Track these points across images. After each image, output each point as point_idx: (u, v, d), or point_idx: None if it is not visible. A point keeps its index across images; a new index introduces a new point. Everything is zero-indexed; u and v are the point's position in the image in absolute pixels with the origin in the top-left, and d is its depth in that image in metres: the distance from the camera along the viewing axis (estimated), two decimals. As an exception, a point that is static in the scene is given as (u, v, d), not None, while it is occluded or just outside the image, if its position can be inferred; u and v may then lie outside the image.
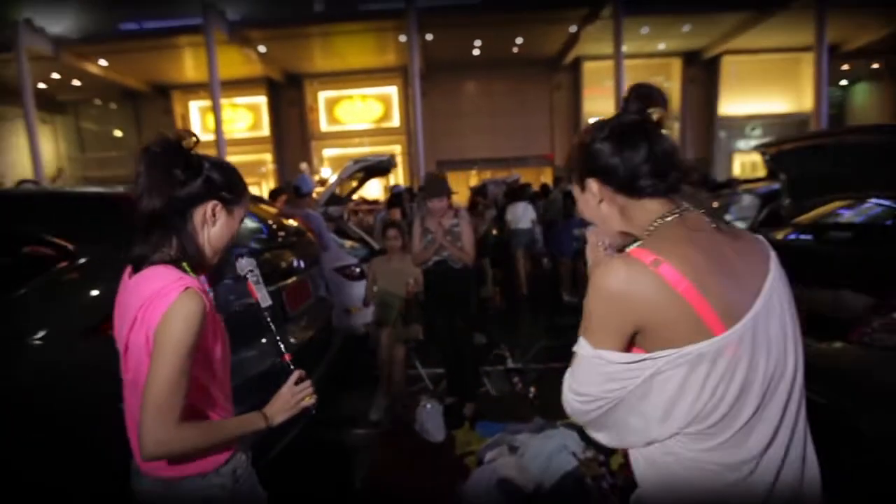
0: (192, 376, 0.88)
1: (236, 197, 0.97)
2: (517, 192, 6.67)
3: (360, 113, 16.48)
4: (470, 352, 2.93)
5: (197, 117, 15.98)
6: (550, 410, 2.73)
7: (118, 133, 16.56)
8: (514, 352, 3.83)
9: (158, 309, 0.84)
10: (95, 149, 16.62)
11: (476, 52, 14.30)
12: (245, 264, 1.09)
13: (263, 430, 0.97)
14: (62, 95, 15.42)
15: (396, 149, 16.05)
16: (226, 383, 1.01)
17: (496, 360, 3.65)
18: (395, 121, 16.44)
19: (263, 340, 1.83)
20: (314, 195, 4.66)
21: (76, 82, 14.37)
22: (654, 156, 0.71)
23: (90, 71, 13.51)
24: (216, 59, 11.79)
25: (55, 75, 13.69)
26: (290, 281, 2.14)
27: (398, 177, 15.89)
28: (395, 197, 5.92)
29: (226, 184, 0.95)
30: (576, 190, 0.81)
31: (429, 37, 12.79)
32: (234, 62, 13.36)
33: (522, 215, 6.04)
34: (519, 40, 13.66)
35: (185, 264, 0.91)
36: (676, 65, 15.43)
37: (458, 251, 2.73)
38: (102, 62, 13.50)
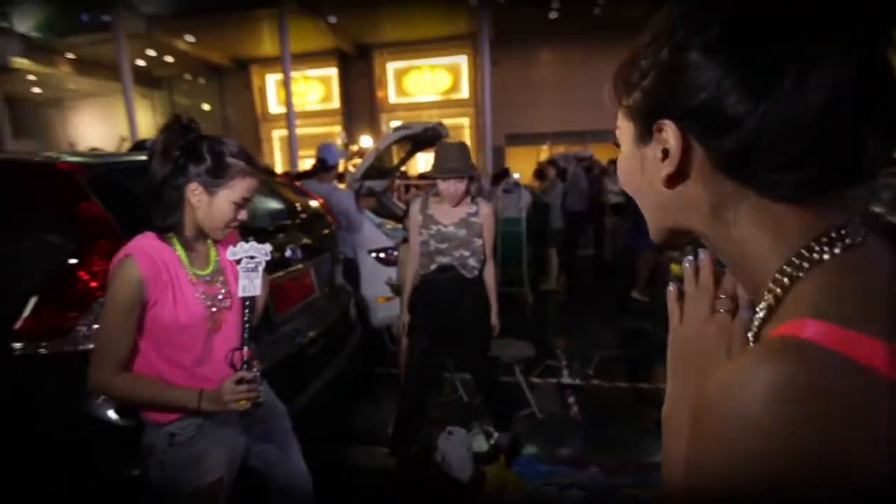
0: (135, 335, 1.03)
1: (217, 180, 1.05)
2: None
3: (428, 84, 16.12)
4: (496, 380, 2.41)
5: (273, 90, 16.51)
6: (613, 449, 2.27)
7: (206, 106, 17.65)
8: (571, 363, 3.35)
9: (111, 266, 1.02)
10: (186, 121, 17.88)
11: (553, 14, 13.12)
12: (238, 250, 1.09)
13: (192, 409, 1.03)
14: (158, 72, 16.65)
15: (464, 121, 15.59)
16: (183, 350, 1.08)
17: (547, 372, 3.21)
18: (464, 92, 15.88)
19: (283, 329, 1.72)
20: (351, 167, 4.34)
21: (169, 58, 15.36)
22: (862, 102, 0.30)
23: (180, 48, 14.36)
24: (287, 30, 11.93)
25: (151, 52, 14.70)
26: (280, 274, 1.85)
27: (464, 151, 15.41)
28: None
29: (209, 168, 1.04)
30: (625, 136, 0.42)
31: (501, 0, 11.92)
32: (306, 35, 13.50)
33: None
34: (601, 0, 12.29)
35: (172, 236, 1.06)
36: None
37: (472, 255, 2.03)
38: (189, 38, 14.24)
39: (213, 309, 1.11)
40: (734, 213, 0.36)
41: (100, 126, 17.36)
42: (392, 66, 15.95)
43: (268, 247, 1.08)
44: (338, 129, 16.58)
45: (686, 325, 0.42)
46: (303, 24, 12.71)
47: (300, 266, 2.02)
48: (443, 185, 1.99)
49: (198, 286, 1.09)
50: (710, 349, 0.39)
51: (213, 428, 1.11)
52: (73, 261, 1.24)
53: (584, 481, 1.93)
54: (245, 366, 1.04)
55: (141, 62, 14.93)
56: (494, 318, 2.19)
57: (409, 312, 2.18)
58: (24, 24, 15.28)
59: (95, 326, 1.22)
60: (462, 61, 15.64)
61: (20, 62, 14.47)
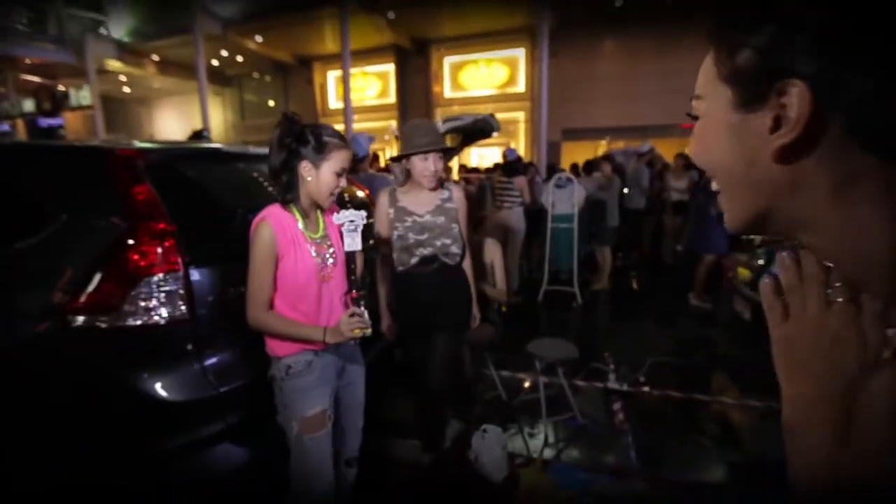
0: (273, 282, 1.35)
1: (320, 156, 1.36)
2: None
3: (484, 78, 15.98)
4: (463, 367, 2.37)
5: (333, 86, 17.06)
6: (661, 462, 2.13)
7: (271, 103, 18.61)
8: (619, 367, 3.17)
9: (251, 228, 1.34)
10: (253, 116, 19.02)
11: (618, 2, 12.48)
12: (341, 216, 1.33)
13: (318, 340, 1.34)
14: (229, 70, 17.77)
15: (520, 115, 15.33)
16: (303, 299, 1.40)
17: (592, 375, 3.06)
18: (521, 86, 15.58)
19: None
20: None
21: (239, 58, 16.33)
22: None
23: (249, 47, 15.21)
24: (348, 27, 12.27)
25: (224, 53, 15.70)
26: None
27: (519, 147, 15.19)
28: (509, 164, 5.35)
29: (314, 147, 1.36)
30: (716, 103, 0.38)
31: (563, -11, 11.53)
32: (365, 31, 13.81)
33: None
34: (673, -16, 11.51)
35: (292, 206, 1.40)
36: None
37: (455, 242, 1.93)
38: (259, 38, 15.04)
39: (324, 264, 1.41)
40: (861, 193, 0.30)
41: (178, 121, 18.85)
42: (448, 61, 15.96)
43: (363, 212, 1.33)
44: (394, 123, 16.88)
45: (794, 321, 0.35)
46: (362, 22, 13.00)
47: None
48: (421, 164, 1.83)
49: (312, 246, 1.39)
50: (837, 345, 0.32)
51: (319, 367, 1.41)
52: (128, 241, 1.32)
53: (627, 493, 1.80)
54: (355, 304, 1.32)
55: (215, 62, 16.01)
56: (475, 309, 2.12)
57: (390, 315, 2.06)
58: (118, 29, 16.85)
59: (149, 303, 1.29)
60: (519, 54, 15.36)
61: (113, 64, 15.99)
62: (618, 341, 3.80)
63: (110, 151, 1.44)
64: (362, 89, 16.43)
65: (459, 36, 14.95)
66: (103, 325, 1.27)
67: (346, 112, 13.03)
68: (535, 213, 5.39)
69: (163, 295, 1.29)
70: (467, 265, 2.03)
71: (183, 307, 1.32)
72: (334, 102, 16.97)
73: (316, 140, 1.34)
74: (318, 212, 1.46)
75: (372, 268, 2.09)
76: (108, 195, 1.34)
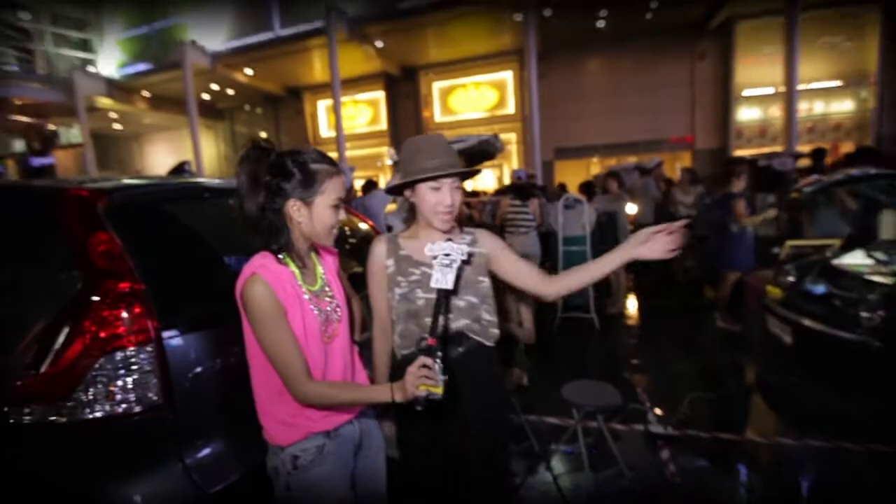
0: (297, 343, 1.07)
1: (310, 189, 1.09)
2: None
3: (473, 101, 16.09)
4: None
5: (324, 115, 17.08)
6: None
7: (263, 134, 18.55)
8: (657, 406, 2.86)
9: (237, 288, 1.07)
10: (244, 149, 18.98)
11: (601, 23, 12.67)
12: (436, 248, 1.16)
13: (386, 401, 1.04)
14: (220, 104, 17.78)
15: (511, 137, 15.36)
16: (312, 364, 1.09)
17: (630, 417, 2.74)
18: (510, 107, 15.68)
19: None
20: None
21: (230, 91, 16.35)
22: None
23: (239, 80, 15.22)
24: (337, 58, 12.32)
25: (214, 86, 15.68)
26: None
27: (513, 168, 15.15)
28: (523, 187, 5.12)
29: (300, 180, 1.08)
30: None
31: (547, 12, 11.68)
32: (354, 60, 13.89)
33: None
34: (654, 4, 11.68)
35: (284, 255, 1.11)
36: (872, 19, 11.76)
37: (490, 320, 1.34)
38: (248, 71, 15.08)
39: (327, 322, 1.16)
40: None
41: (170, 156, 18.71)
42: (437, 86, 16.09)
43: (464, 247, 1.14)
44: (385, 149, 16.83)
45: None
46: (351, 51, 13.07)
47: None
48: (432, 197, 1.25)
49: (311, 301, 1.14)
50: None
51: (333, 450, 1.15)
52: (84, 306, 1.02)
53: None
54: (430, 353, 1.04)
55: (206, 96, 15.97)
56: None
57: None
58: (107, 66, 16.83)
59: (111, 388, 0.99)
60: (507, 77, 15.53)
61: (103, 101, 15.88)
62: (648, 374, 3.49)
63: (61, 192, 1.16)
64: (353, 117, 16.44)
65: (447, 61, 15.10)
66: (51, 420, 0.96)
67: (339, 140, 12.95)
68: (544, 236, 5.15)
69: (130, 376, 0.99)
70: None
71: (156, 391, 1.02)
72: (326, 131, 16.94)
73: (301, 171, 1.07)
74: (313, 255, 1.22)
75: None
76: (62, 247, 1.06)
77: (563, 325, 4.52)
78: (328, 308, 1.17)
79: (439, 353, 1.03)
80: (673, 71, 13.53)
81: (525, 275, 1.35)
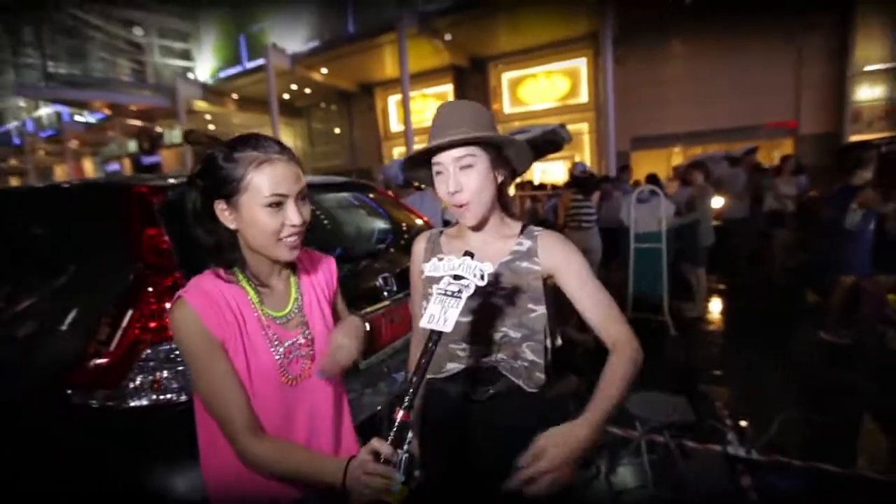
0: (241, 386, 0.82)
1: (233, 185, 0.82)
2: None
3: (544, 91, 15.59)
4: None
5: (394, 110, 17.50)
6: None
7: (337, 130, 19.47)
8: (739, 425, 2.55)
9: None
10: (321, 144, 20.04)
11: None
12: (442, 265, 0.80)
13: (333, 484, 0.74)
14: (299, 102, 18.90)
15: (583, 127, 14.72)
16: (262, 414, 0.84)
17: (707, 434, 2.46)
18: (583, 96, 14.98)
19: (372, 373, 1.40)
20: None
21: (307, 90, 17.29)
22: None
23: (316, 79, 16.04)
24: (406, 53, 12.52)
25: (293, 86, 16.69)
26: (385, 304, 1.55)
27: (584, 160, 14.51)
28: (586, 179, 4.87)
29: (224, 173, 0.82)
30: None
31: (627, -9, 10.94)
32: (424, 54, 14.05)
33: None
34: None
35: (235, 271, 0.88)
36: None
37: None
38: (324, 70, 15.84)
39: (289, 358, 0.89)
40: None
41: (254, 153, 20.24)
42: (507, 76, 15.79)
43: (487, 267, 0.77)
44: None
45: None
46: (420, 46, 13.22)
47: (401, 295, 1.72)
48: (438, 185, 0.97)
49: (269, 329, 0.88)
50: None
51: None
52: (133, 299, 1.08)
53: None
54: (394, 433, 0.69)
55: (286, 96, 17.07)
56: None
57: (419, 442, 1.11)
58: (203, 72, 18.55)
59: (156, 377, 1.02)
60: (581, 64, 14.82)
61: (200, 105, 17.56)
62: (731, 387, 3.13)
63: (126, 188, 1.23)
64: (422, 111, 16.66)
65: (517, 51, 14.73)
66: (99, 404, 1.02)
67: (407, 134, 13.20)
68: (611, 233, 4.82)
69: (175, 368, 1.03)
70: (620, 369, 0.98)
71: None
72: (395, 125, 17.35)
73: (226, 160, 0.82)
74: (286, 271, 0.95)
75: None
76: (118, 243, 1.12)
77: (634, 328, 4.19)
78: (295, 340, 0.91)
79: (409, 438, 0.70)
80: (773, 48, 11.99)
81: (588, 312, 0.97)
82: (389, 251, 1.94)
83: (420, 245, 1.11)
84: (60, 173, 25.93)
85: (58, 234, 1.29)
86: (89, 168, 23.89)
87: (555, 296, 1.04)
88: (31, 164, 24.86)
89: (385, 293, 1.60)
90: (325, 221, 2.08)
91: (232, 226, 0.84)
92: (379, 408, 1.47)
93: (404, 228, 2.34)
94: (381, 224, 2.26)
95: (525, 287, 0.97)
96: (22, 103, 25.59)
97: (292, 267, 0.96)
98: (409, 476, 0.68)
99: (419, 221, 2.48)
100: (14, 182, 27.32)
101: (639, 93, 13.35)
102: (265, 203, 0.81)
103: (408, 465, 0.68)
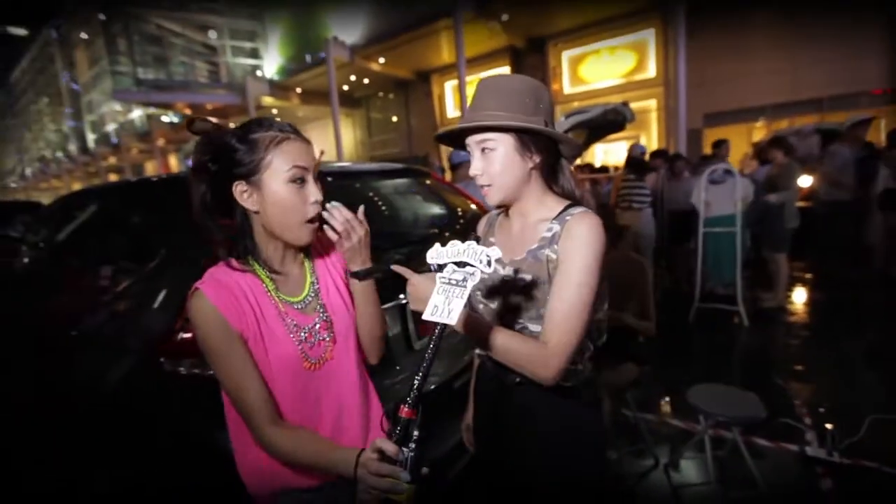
0: (259, 374, 0.83)
1: (252, 164, 0.82)
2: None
3: (607, 68, 14.80)
4: None
5: (450, 96, 17.47)
6: None
7: (394, 118, 19.82)
8: (821, 425, 2.34)
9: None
10: (379, 133, 20.50)
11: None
12: (446, 251, 0.75)
13: (348, 475, 0.73)
14: (357, 93, 19.42)
15: (651, 104, 13.86)
16: (284, 403, 0.86)
17: (782, 433, 2.30)
18: (651, 71, 14.03)
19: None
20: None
21: (366, 80, 17.71)
22: None
23: (373, 69, 16.38)
24: (462, 37, 12.40)
25: (352, 77, 17.16)
26: None
27: (651, 139, 13.70)
28: (639, 161, 4.65)
29: (244, 152, 0.82)
30: None
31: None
32: (479, 37, 13.84)
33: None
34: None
35: (248, 258, 0.88)
36: None
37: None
38: (381, 60, 16.12)
39: (310, 343, 0.88)
40: None
41: (317, 144, 21.13)
42: (567, 55, 15.16)
43: (494, 252, 0.72)
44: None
45: None
46: (476, 29, 13.03)
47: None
48: (473, 163, 0.94)
49: (287, 315, 0.87)
50: None
51: None
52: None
53: None
54: (399, 431, 0.67)
55: (345, 87, 17.60)
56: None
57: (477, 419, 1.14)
58: (269, 69, 19.57)
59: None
60: (648, 36, 13.86)
61: (267, 100, 18.60)
62: (813, 384, 2.87)
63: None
64: (478, 96, 16.52)
65: (578, 27, 14.05)
66: (186, 371, 1.16)
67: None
68: (683, 216, 4.53)
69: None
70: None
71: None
72: (452, 111, 17.32)
73: (238, 142, 0.82)
74: (300, 256, 0.94)
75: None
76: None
77: (701, 318, 3.95)
78: (314, 325, 0.90)
79: (416, 434, 0.66)
80: (865, 11, 10.45)
81: (549, 305, 0.88)
82: (445, 235, 1.97)
83: (480, 225, 1.12)
84: (150, 169, 28.75)
85: (152, 222, 1.45)
86: (174, 163, 26.26)
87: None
88: (127, 162, 27.77)
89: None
90: (383, 207, 2.15)
91: (253, 207, 0.83)
92: (433, 386, 1.52)
93: (459, 213, 2.36)
94: (437, 209, 2.30)
95: (546, 278, 0.91)
96: (118, 107, 28.54)
97: (305, 251, 0.95)
98: (417, 475, 0.65)
99: (473, 206, 2.48)
100: (112, 178, 30.73)
101: (714, 65, 12.27)
102: (288, 177, 0.81)
103: (415, 463, 0.65)
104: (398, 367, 1.49)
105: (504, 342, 0.84)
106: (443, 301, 0.71)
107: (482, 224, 1.12)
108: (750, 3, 11.82)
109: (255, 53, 22.24)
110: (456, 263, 0.73)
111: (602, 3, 12.70)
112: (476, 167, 0.92)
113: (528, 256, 0.94)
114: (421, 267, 0.83)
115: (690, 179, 4.72)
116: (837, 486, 1.94)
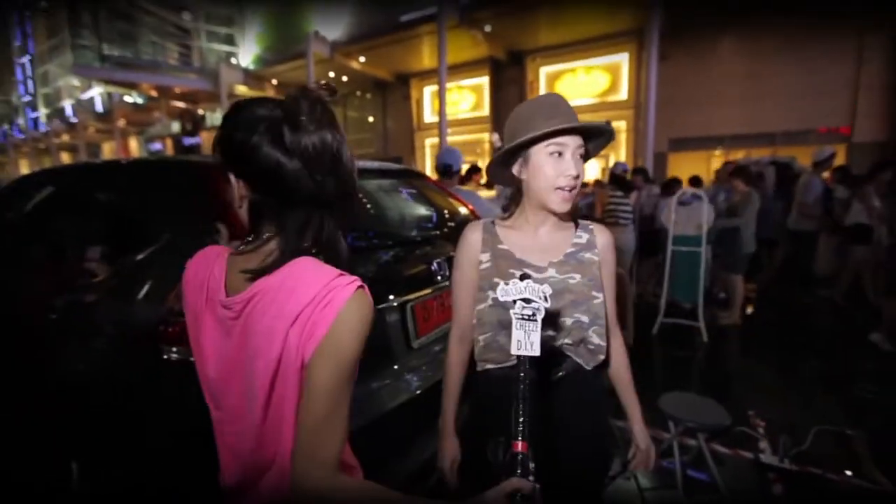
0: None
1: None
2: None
3: (582, 87, 15.29)
4: None
5: (429, 101, 17.54)
6: None
7: (371, 119, 19.70)
8: (773, 433, 2.52)
9: (329, 315, 0.62)
10: (354, 132, 20.30)
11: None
12: (511, 289, 0.80)
13: None
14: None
15: (621, 125, 14.37)
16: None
17: (738, 441, 2.45)
18: (623, 93, 14.62)
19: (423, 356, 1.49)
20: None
21: (344, 78, 17.51)
22: None
23: (353, 67, 16.24)
24: (445, 43, 12.49)
25: (332, 74, 16.93)
26: (427, 291, 1.61)
27: (620, 159, 14.22)
28: (624, 178, 4.84)
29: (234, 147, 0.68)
30: None
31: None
32: (462, 46, 14.00)
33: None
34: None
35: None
36: None
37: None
38: (362, 59, 16.01)
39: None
40: None
41: (290, 139, 20.77)
42: (545, 70, 15.56)
43: (547, 288, 0.79)
44: (486, 136, 16.82)
45: None
46: (459, 37, 13.17)
47: (447, 283, 1.78)
48: (552, 165, 0.98)
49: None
50: None
51: None
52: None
53: None
54: (521, 467, 0.65)
55: (323, 83, 17.36)
56: (642, 437, 1.20)
57: (452, 439, 1.13)
58: (245, 58, 19.03)
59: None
60: (622, 59, 14.44)
61: (240, 89, 18.06)
62: (766, 395, 3.08)
63: (215, 166, 1.34)
64: (456, 103, 16.64)
65: (558, 45, 14.49)
66: (179, 358, 1.13)
67: (441, 125, 13.22)
68: (651, 234, 4.76)
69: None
70: (621, 360, 1.17)
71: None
72: (429, 116, 17.40)
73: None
74: None
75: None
76: (208, 213, 1.22)
77: (664, 332, 4.16)
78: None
79: (532, 465, 0.66)
80: (832, 48, 11.27)
81: (608, 308, 1.10)
82: (439, 237, 2.00)
83: (475, 235, 1.09)
84: (108, 150, 27.23)
85: (157, 206, 1.41)
86: (134, 147, 25.01)
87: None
88: (82, 141, 26.21)
89: (439, 277, 1.67)
90: (379, 206, 2.16)
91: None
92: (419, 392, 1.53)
93: (447, 216, 2.38)
94: (429, 211, 2.32)
95: (590, 276, 1.06)
96: (76, 82, 26.93)
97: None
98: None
99: (463, 210, 2.52)
100: (65, 157, 28.84)
101: (682, 92, 12.93)
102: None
103: (541, 493, 0.64)
104: (397, 367, 1.50)
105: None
106: (524, 336, 0.78)
107: (477, 233, 1.09)
108: (718, 33, 12.56)
109: (230, 40, 21.58)
110: (522, 300, 0.80)
111: (581, 24, 13.16)
112: (578, 170, 1.00)
113: (569, 259, 1.07)
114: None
115: (659, 200, 4.97)
116: (787, 490, 2.10)
